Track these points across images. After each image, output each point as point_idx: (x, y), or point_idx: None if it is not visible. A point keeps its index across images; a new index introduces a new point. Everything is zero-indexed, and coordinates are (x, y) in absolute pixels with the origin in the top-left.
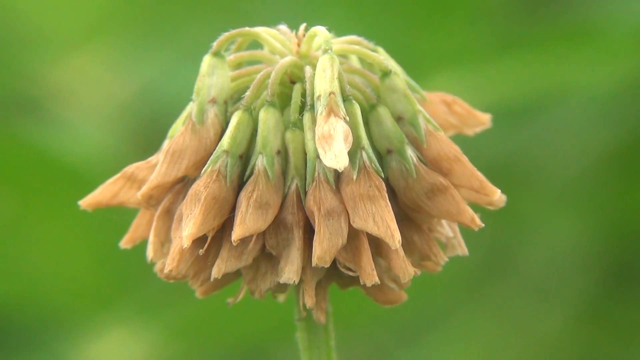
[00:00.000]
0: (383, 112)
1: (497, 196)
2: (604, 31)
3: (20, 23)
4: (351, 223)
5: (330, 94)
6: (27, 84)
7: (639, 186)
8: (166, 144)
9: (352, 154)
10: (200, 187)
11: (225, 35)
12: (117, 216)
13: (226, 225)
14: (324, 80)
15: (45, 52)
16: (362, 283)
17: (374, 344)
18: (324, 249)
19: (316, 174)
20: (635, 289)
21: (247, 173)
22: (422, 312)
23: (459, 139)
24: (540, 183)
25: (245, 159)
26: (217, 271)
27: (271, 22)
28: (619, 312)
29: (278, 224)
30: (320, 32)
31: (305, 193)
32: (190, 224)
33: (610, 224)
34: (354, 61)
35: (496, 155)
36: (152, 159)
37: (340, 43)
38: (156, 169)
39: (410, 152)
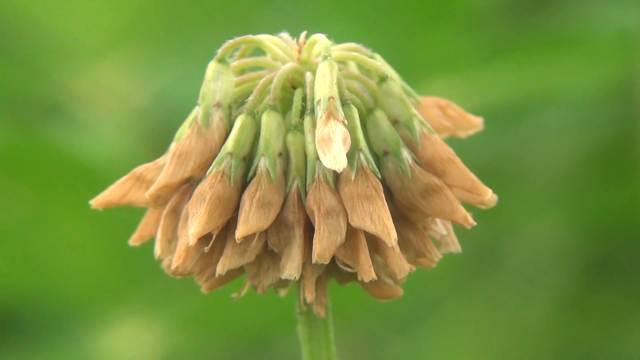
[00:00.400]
0: (380, 116)
1: (489, 196)
2: (586, 39)
3: (47, 35)
4: (349, 222)
5: (329, 99)
6: (52, 90)
7: (616, 185)
8: (173, 146)
9: (351, 156)
10: (206, 188)
11: (229, 42)
12: (128, 215)
13: (230, 224)
14: (323, 86)
15: (69, 61)
16: (360, 279)
17: (369, 333)
18: (323, 246)
19: (316, 174)
20: (611, 280)
21: (250, 174)
22: (414, 303)
23: (452, 141)
24: (525, 182)
25: (248, 160)
26: (221, 267)
27: (275, 31)
28: (598, 301)
29: (280, 222)
30: (320, 40)
31: (306, 193)
32: (195, 222)
33: (590, 221)
34: (352, 67)
35: (485, 156)
36: (160, 160)
37: (339, 50)
38: (163, 170)
39: (405, 154)
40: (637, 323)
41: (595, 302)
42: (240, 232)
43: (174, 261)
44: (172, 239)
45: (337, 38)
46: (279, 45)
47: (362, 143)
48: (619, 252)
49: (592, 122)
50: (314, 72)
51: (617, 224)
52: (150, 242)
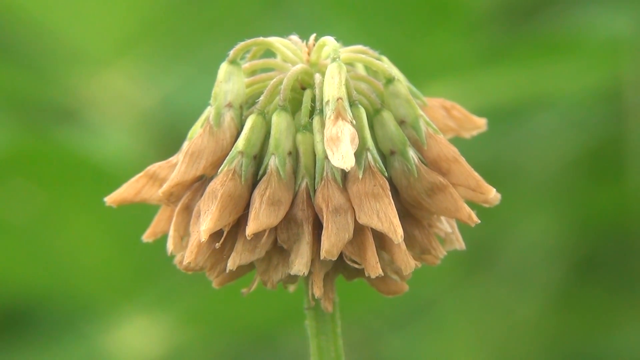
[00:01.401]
0: (387, 116)
1: (492, 195)
2: (578, 45)
3: (58, 44)
4: (357, 219)
5: (338, 99)
6: (64, 95)
7: (605, 186)
8: (186, 145)
9: (358, 155)
10: (217, 185)
11: (241, 44)
12: (140, 212)
13: (241, 221)
14: (332, 87)
15: (79, 68)
16: (366, 275)
17: (366, 329)
18: (331, 243)
19: (325, 173)
20: (600, 277)
21: (261, 172)
22: (411, 300)
23: (457, 142)
24: (519, 183)
25: (258, 159)
26: (232, 263)
27: (278, 36)
28: (587, 296)
29: (289, 219)
30: (329, 42)
31: (315, 191)
32: (207, 219)
33: (580, 220)
34: (360, 69)
35: (480, 157)
36: (173, 159)
37: (348, 52)
38: (176, 168)
39: (411, 153)
40: (624, 318)
41: (584, 297)
42: (250, 228)
43: (186, 257)
44: (184, 235)
45: (345, 42)
46: (289, 48)
47: (370, 142)
48: (607, 250)
49: (583, 124)
50: (323, 74)
51: (605, 223)
52: (158, 241)
